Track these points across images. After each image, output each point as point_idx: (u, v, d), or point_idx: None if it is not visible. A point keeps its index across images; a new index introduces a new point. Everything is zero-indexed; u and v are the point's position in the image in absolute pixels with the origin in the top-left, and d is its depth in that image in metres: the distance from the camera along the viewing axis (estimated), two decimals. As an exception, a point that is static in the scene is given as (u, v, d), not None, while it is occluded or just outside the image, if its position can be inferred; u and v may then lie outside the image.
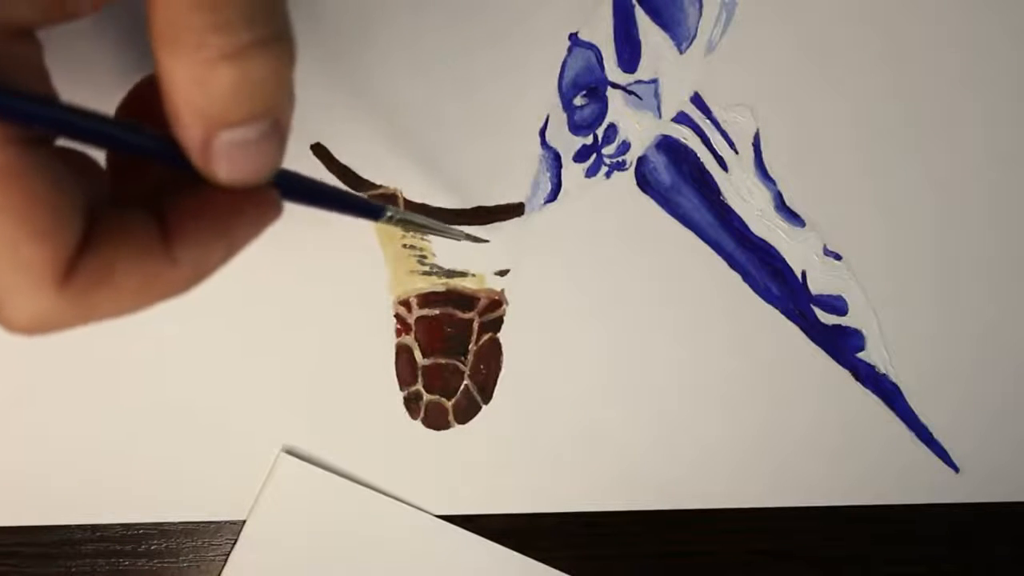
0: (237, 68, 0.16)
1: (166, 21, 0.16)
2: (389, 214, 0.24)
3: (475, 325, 0.32)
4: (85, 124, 0.16)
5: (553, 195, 0.32)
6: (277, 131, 0.18)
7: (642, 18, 0.31)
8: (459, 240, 0.30)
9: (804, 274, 0.33)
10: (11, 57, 0.17)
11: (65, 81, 0.18)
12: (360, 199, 0.23)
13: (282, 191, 0.19)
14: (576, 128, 0.32)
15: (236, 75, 0.16)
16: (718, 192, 0.32)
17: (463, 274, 0.32)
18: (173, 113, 0.17)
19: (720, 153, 0.32)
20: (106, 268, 0.17)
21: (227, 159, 0.18)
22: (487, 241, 0.31)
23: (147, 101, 0.20)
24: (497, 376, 0.32)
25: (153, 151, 0.18)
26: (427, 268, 0.32)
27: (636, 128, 0.32)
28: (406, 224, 0.26)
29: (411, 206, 0.31)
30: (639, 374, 0.33)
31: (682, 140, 0.32)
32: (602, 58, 0.31)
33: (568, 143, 0.32)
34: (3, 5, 0.16)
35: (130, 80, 0.21)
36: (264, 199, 0.19)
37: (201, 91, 0.17)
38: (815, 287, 0.33)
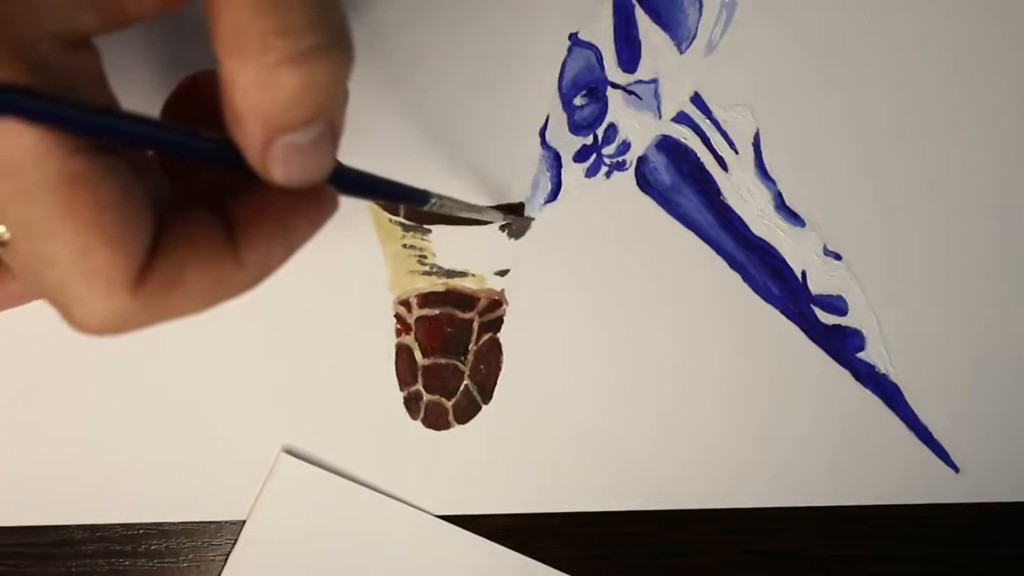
0: (300, 72, 0.17)
1: (229, 25, 0.16)
2: (433, 200, 0.24)
3: (475, 325, 0.32)
4: (146, 132, 0.17)
5: (553, 195, 0.32)
6: (332, 133, 0.18)
7: (642, 18, 0.31)
8: (499, 222, 0.30)
9: (804, 274, 0.33)
10: (72, 68, 0.17)
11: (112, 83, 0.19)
12: (408, 188, 0.24)
13: (336, 186, 0.20)
14: (576, 128, 0.32)
15: (299, 79, 0.17)
16: (718, 192, 0.32)
17: (463, 274, 0.32)
18: (233, 116, 0.17)
19: (720, 153, 0.32)
20: (177, 271, 0.17)
21: (284, 162, 0.18)
22: (533, 219, 0.31)
23: (191, 101, 0.21)
24: (497, 376, 0.32)
25: (211, 155, 0.18)
26: (427, 268, 0.32)
27: (636, 128, 0.32)
28: (449, 208, 0.26)
29: (410, 205, 0.31)
30: (639, 374, 0.33)
31: (682, 140, 0.32)
32: (602, 58, 0.31)
33: (568, 143, 0.32)
34: (66, 16, 0.16)
35: (172, 81, 0.21)
36: (320, 196, 0.19)
37: (264, 94, 0.17)
38: (815, 287, 0.33)
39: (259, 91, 0.17)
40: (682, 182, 0.32)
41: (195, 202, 0.19)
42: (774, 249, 0.33)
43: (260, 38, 0.16)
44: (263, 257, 0.19)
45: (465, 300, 0.32)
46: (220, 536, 0.32)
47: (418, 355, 0.32)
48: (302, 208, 0.19)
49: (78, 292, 0.16)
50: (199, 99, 0.20)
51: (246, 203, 0.19)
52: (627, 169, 0.32)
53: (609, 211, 0.32)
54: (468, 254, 0.32)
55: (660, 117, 0.32)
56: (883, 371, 0.34)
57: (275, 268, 0.19)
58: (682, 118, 0.32)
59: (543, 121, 0.31)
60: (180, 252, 0.17)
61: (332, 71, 0.17)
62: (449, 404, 0.32)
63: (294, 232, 0.19)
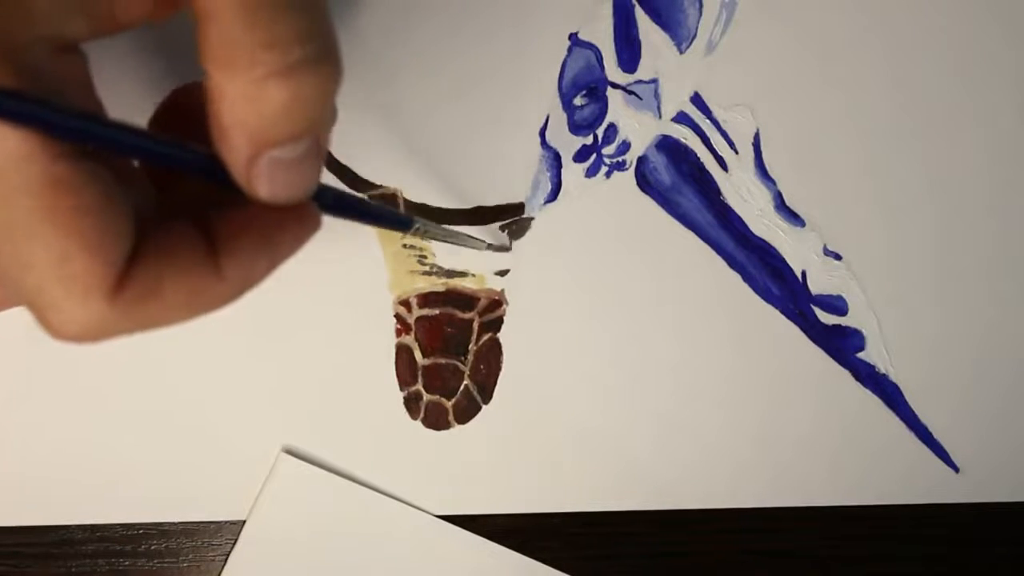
0: (288, 85, 0.17)
1: (219, 38, 0.16)
2: (417, 226, 0.24)
3: (475, 325, 0.32)
4: (130, 140, 0.16)
5: (553, 195, 0.32)
6: (318, 150, 0.18)
7: (642, 18, 0.31)
8: (482, 250, 0.30)
9: (804, 274, 0.33)
10: (60, 72, 0.17)
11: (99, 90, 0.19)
12: (391, 212, 0.24)
13: (319, 205, 0.20)
14: (576, 128, 0.32)
15: (287, 92, 0.17)
16: (718, 192, 0.32)
17: (463, 274, 0.32)
18: (220, 131, 0.17)
19: (720, 153, 0.32)
20: (155, 281, 0.17)
21: (269, 178, 0.18)
22: (509, 249, 0.31)
23: (180, 113, 0.21)
24: (497, 376, 0.32)
25: (196, 167, 0.18)
26: (427, 268, 0.32)
27: (636, 128, 0.32)
28: (432, 234, 0.26)
29: (411, 206, 0.31)
30: (639, 374, 0.33)
31: (682, 140, 0.32)
32: (602, 58, 0.31)
33: (568, 143, 0.32)
34: (57, 21, 0.16)
35: (159, 88, 0.21)
36: (304, 213, 0.19)
37: (252, 108, 0.17)
38: (815, 287, 0.33)
39: (247, 105, 0.17)
40: (682, 182, 0.32)
41: (179, 213, 0.19)
42: (774, 249, 0.33)
43: (249, 51, 0.16)
44: (244, 271, 0.19)
45: (465, 300, 0.32)
46: (220, 536, 0.32)
47: (418, 355, 0.32)
48: (286, 224, 0.19)
49: (55, 297, 0.16)
50: (188, 111, 0.20)
51: (229, 217, 0.19)
52: (627, 169, 0.32)
53: (609, 211, 0.32)
54: (468, 254, 0.32)
55: (660, 117, 0.32)
56: (883, 371, 0.34)
57: (256, 282, 0.19)
58: (682, 118, 0.32)
59: (543, 121, 0.31)
60: (160, 262, 0.17)
61: (320, 85, 0.17)
62: (449, 404, 0.32)
63: (277, 248, 0.19)
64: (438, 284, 0.32)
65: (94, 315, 0.17)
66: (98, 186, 0.16)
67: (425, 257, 0.32)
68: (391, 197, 0.31)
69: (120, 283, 0.17)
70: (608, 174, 0.32)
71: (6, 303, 0.20)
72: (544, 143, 0.31)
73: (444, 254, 0.32)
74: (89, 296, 0.16)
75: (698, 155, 0.32)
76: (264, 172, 0.18)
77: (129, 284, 0.17)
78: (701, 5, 0.31)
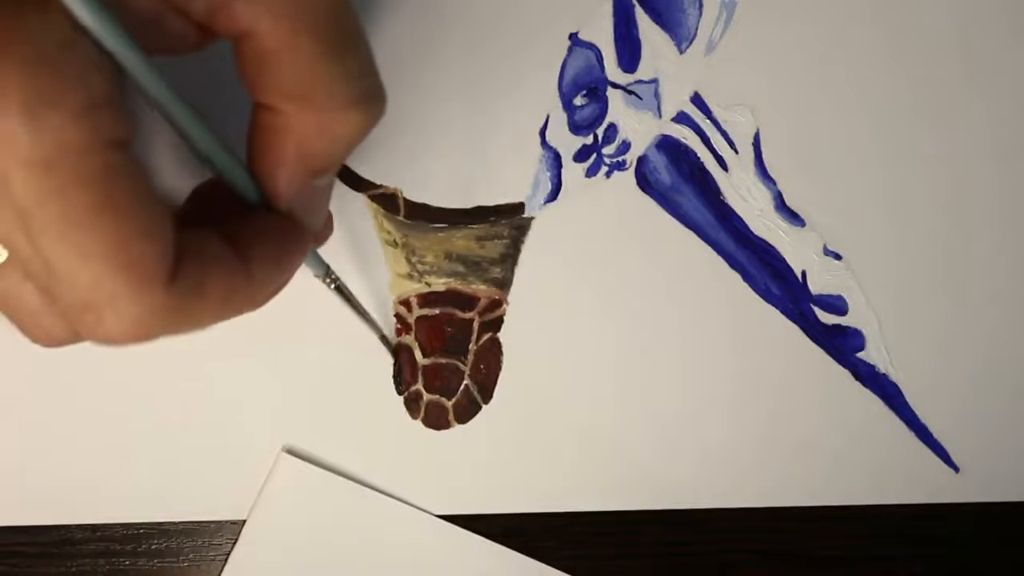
0: (360, 113, 0.18)
1: (296, 73, 0.17)
2: (329, 280, 0.26)
3: (475, 325, 0.32)
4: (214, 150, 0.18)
5: (553, 195, 0.32)
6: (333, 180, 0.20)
7: (642, 18, 0.31)
8: (375, 334, 0.30)
9: (804, 274, 0.33)
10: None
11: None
12: (314, 254, 0.26)
13: None
14: (576, 128, 0.32)
15: (359, 121, 0.18)
16: (718, 192, 0.32)
17: (463, 274, 0.32)
18: (280, 162, 0.18)
19: (720, 153, 0.32)
20: (200, 275, 0.18)
21: (311, 205, 0.19)
22: (392, 352, 0.32)
23: (202, 207, 0.21)
24: (497, 376, 0.32)
25: (240, 186, 0.19)
26: (427, 268, 0.32)
27: (636, 128, 0.32)
28: (340, 293, 0.28)
29: (411, 206, 0.31)
30: (639, 374, 0.33)
31: (682, 140, 0.32)
32: (602, 58, 0.31)
33: (568, 143, 0.32)
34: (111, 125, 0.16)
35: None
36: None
37: (322, 139, 0.18)
38: (815, 287, 0.33)
39: (317, 135, 0.18)
40: (682, 182, 0.32)
41: (197, 221, 0.19)
42: (774, 249, 0.33)
43: (328, 83, 0.17)
44: (270, 271, 0.19)
45: (465, 300, 0.32)
46: (220, 536, 0.32)
47: (418, 355, 0.32)
48: (303, 230, 0.20)
49: (114, 288, 0.16)
50: (210, 204, 0.20)
51: (248, 224, 0.20)
52: (627, 169, 0.32)
53: (609, 211, 0.32)
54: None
55: (660, 117, 0.32)
56: (883, 371, 0.34)
57: (281, 283, 0.20)
58: (682, 118, 0.32)
59: (543, 121, 0.31)
60: (200, 259, 0.18)
61: (379, 114, 0.18)
62: (449, 404, 0.32)
63: (297, 249, 0.20)
64: (438, 283, 0.32)
65: (149, 307, 0.17)
66: (145, 176, 0.16)
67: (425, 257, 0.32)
68: (391, 197, 0.31)
69: (172, 275, 0.17)
70: (608, 174, 0.32)
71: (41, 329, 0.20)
72: (544, 143, 0.32)
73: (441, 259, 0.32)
74: (149, 284, 0.16)
75: (698, 155, 0.32)
76: (307, 199, 0.19)
77: (178, 278, 0.17)
78: (701, 5, 0.31)
